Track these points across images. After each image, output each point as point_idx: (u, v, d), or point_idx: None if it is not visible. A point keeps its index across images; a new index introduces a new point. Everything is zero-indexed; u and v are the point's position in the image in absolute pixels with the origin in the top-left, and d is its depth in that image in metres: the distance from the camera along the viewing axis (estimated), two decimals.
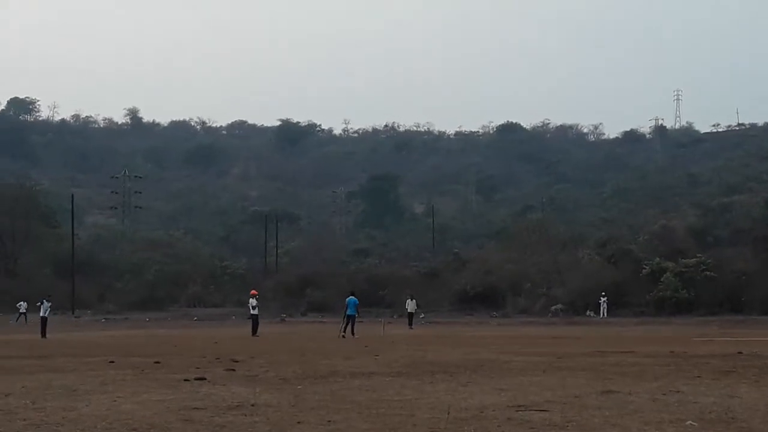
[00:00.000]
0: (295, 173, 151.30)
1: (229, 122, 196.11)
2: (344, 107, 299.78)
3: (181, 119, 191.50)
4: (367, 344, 31.26)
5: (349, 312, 40.38)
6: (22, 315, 59.85)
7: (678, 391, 14.41)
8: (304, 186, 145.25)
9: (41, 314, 42.88)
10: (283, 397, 13.91)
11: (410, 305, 54.17)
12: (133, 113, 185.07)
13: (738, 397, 13.64)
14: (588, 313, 66.15)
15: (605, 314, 64.75)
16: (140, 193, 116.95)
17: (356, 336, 38.08)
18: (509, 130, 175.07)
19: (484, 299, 72.31)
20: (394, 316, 60.88)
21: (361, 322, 56.89)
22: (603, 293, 65.63)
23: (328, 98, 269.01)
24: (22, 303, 60.89)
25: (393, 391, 14.68)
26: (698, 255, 67.31)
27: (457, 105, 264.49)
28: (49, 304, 43.87)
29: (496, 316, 66.79)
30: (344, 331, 38.87)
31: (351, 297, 41.46)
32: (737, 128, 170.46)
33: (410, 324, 52.21)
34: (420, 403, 13.07)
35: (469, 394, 14.14)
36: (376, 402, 13.14)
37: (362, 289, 71.46)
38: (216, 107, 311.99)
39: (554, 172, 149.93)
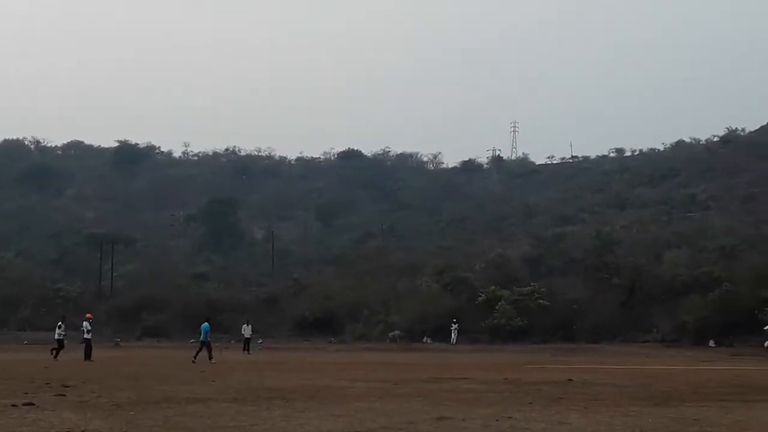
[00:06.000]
0: (133, 195, 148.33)
1: (65, 142, 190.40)
2: (184, 130, 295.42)
3: (14, 138, 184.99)
4: (203, 369, 30.93)
5: (201, 338, 40.94)
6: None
7: (510, 417, 14.74)
8: (142, 208, 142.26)
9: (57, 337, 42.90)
10: (115, 423, 13.63)
11: (246, 330, 54.56)
12: None
13: (568, 424, 14.04)
14: (425, 339, 66.82)
15: (455, 340, 65.50)
16: None
17: (212, 361, 38.27)
18: (350, 156, 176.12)
19: (323, 325, 72.23)
20: (232, 341, 60.27)
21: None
22: (454, 320, 66.18)
23: (167, 120, 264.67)
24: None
25: (228, 417, 14.56)
26: (532, 283, 68.92)
27: (298, 131, 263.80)
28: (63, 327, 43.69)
29: (334, 342, 66.88)
30: (195, 357, 38.82)
31: (204, 324, 41.64)
32: (571, 160, 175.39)
33: (247, 349, 52.24)
34: (256, 429, 13.00)
35: (306, 420, 14.15)
36: (212, 428, 13.01)
37: (201, 313, 70.68)
38: (51, 126, 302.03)
39: (394, 199, 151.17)
